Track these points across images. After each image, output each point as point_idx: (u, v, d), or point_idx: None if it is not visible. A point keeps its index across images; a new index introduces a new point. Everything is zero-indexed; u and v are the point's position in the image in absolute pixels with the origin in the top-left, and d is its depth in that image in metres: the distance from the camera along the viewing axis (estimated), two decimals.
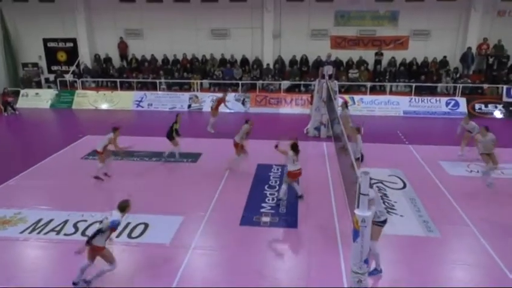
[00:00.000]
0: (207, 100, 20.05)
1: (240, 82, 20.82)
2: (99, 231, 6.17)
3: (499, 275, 6.93)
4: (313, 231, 8.30)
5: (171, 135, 12.08)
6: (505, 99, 18.74)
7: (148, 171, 11.60)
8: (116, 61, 22.85)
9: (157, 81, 21.19)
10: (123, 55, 22.83)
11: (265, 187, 10.53)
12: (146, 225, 8.46)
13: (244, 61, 21.81)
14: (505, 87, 18.84)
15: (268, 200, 9.79)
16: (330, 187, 10.45)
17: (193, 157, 12.59)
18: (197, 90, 20.92)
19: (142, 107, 20.34)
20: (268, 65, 21.44)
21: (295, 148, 9.25)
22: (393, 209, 9.32)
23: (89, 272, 6.45)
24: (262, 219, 8.85)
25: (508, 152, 12.52)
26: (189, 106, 20.11)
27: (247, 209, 9.27)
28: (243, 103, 19.84)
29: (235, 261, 7.29)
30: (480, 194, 10.12)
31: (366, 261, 6.09)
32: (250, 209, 9.29)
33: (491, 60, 20.22)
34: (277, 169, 11.60)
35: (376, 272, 6.82)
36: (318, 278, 6.79)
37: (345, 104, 15.02)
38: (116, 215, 6.33)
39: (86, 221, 8.65)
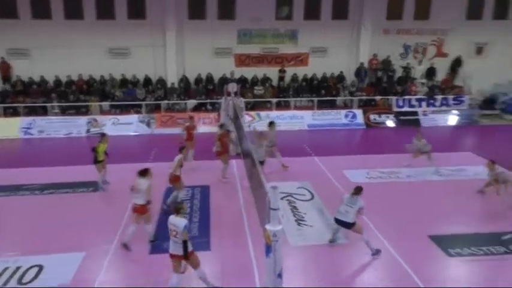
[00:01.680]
0: (107, 123, 18.86)
1: (143, 103, 20.00)
2: (186, 243, 6.33)
3: (402, 273, 7.35)
4: (226, 252, 8.07)
5: (96, 159, 11.04)
6: (395, 109, 20.55)
7: (41, 206, 10.38)
8: None
9: (49, 104, 19.42)
10: (6, 77, 20.42)
11: None
12: (40, 267, 7.52)
13: (147, 81, 21.04)
14: (394, 98, 20.69)
15: None
16: (241, 204, 10.31)
17: (94, 185, 11.58)
18: (96, 113, 19.60)
19: (31, 134, 18.37)
20: (172, 84, 20.95)
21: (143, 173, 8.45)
22: (303, 220, 9.47)
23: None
24: None
25: (400, 157, 13.59)
26: (88, 131, 18.72)
27: (157, 235, 8.68)
28: (148, 124, 19.05)
29: None
30: (380, 198, 10.73)
31: (280, 276, 6.05)
32: (160, 235, 8.71)
33: (380, 74, 22.13)
34: (187, 191, 11.19)
35: (378, 252, 7.82)
36: None
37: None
38: (178, 220, 6.44)
39: None
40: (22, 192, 11.24)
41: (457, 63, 22.29)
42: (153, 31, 20.83)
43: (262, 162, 10.43)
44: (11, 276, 7.22)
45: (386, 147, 15.74)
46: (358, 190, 8.01)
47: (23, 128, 18.44)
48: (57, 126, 18.64)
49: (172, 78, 21.15)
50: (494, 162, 10.54)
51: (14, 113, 19.33)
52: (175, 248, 6.51)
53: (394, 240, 8.39)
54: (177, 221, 6.46)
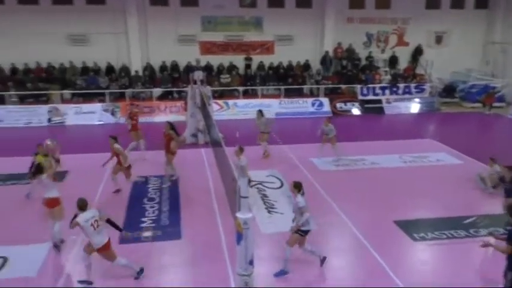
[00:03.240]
0: (69, 112, 18.23)
1: (107, 91, 19.43)
2: (110, 220, 6.72)
3: (370, 258, 7.57)
4: (197, 240, 8.07)
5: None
6: (360, 97, 20.99)
7: (3, 197, 9.96)
8: None
9: (6, 93, 18.51)
10: None
11: (145, 200, 9.93)
12: (5, 259, 7.31)
13: (110, 69, 20.41)
14: (359, 86, 21.12)
15: (149, 213, 9.23)
16: (211, 193, 10.30)
17: (58, 176, 11.18)
18: (57, 102, 18.86)
19: None
20: (136, 72, 20.45)
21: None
22: (274, 207, 9.59)
23: None
24: (143, 234, 8.33)
25: (365, 145, 13.97)
26: (49, 120, 18.03)
27: (126, 226, 8.56)
28: (112, 113, 18.56)
29: (116, 284, 6.69)
30: (346, 185, 11.03)
31: (251, 263, 6.14)
32: (130, 225, 8.63)
33: (344, 62, 22.48)
34: (156, 180, 11.04)
35: (282, 273, 6.92)
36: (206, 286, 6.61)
37: (261, 113, 13.46)
38: (91, 211, 6.54)
39: None
40: None
41: (417, 52, 22.95)
42: (114, 17, 20.16)
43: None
44: None
45: (353, 134, 16.10)
46: (298, 187, 6.97)
47: None
48: (17, 116, 17.88)
49: (136, 66, 20.63)
50: (495, 160, 10.47)
51: None
52: (103, 237, 6.52)
53: (361, 226, 8.63)
54: (90, 213, 6.46)
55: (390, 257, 7.53)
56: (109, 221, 6.73)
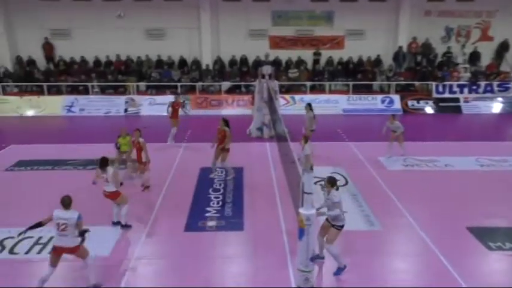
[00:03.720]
0: (144, 103, 19.29)
1: (178, 84, 20.27)
2: (84, 233, 6.12)
3: (437, 263, 7.14)
4: (259, 233, 8.14)
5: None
6: (434, 95, 19.84)
7: (83, 181, 10.80)
8: (41, 63, 21.17)
9: (89, 84, 20.02)
10: (49, 57, 21.21)
11: (210, 190, 10.22)
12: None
13: (182, 62, 21.26)
14: (434, 83, 19.96)
15: (213, 203, 9.50)
16: (274, 187, 10.34)
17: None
18: (133, 93, 20.04)
19: (73, 112, 19.07)
20: (207, 65, 21.08)
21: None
22: None
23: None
24: (207, 223, 8.56)
25: (438, 145, 13.22)
26: (126, 110, 19.20)
27: (192, 214, 8.92)
28: (183, 106, 19.28)
29: (181, 269, 6.97)
30: (416, 187, 10.51)
31: (312, 259, 6.09)
32: (195, 214, 8.95)
33: (419, 58, 21.35)
34: (221, 171, 11.32)
35: (340, 270, 6.76)
36: (265, 279, 6.64)
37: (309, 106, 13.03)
38: (70, 212, 6.11)
39: (13, 237, 7.78)
40: (66, 167, 11.76)
41: (503, 48, 21.17)
42: (188, 13, 20.93)
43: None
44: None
45: (425, 134, 15.31)
46: (332, 182, 6.62)
47: (66, 106, 19.21)
48: (98, 105, 19.30)
49: (206, 60, 21.27)
50: None
51: (58, 91, 20.09)
52: (62, 241, 6.08)
53: (431, 232, 8.14)
54: (68, 214, 6.06)
55: (462, 265, 7.04)
56: (81, 234, 6.17)
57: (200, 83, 20.51)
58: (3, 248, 7.61)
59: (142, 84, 20.66)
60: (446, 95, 19.87)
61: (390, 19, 21.26)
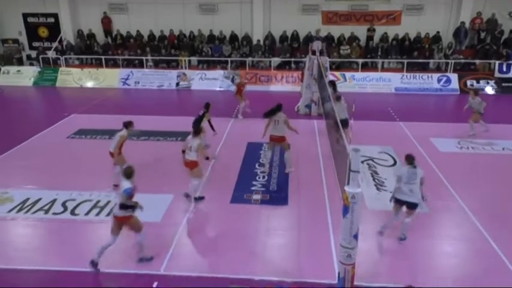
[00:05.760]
0: (195, 78, 19.70)
1: (229, 59, 20.44)
2: (122, 206, 6.09)
3: (486, 248, 6.94)
4: (303, 208, 8.26)
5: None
6: (497, 74, 18.63)
7: (135, 150, 11.37)
8: (100, 37, 22.18)
9: (144, 58, 20.69)
10: (108, 31, 22.16)
11: (256, 165, 10.41)
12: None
13: (234, 37, 21.35)
14: (497, 62, 18.70)
15: (259, 178, 9.69)
16: (320, 164, 10.36)
17: (184, 135, 12.33)
18: (185, 68, 20.50)
19: (128, 84, 19.89)
20: (258, 41, 21.02)
21: None
22: (383, 185, 9.28)
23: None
24: (253, 197, 8.77)
25: (498, 127, 12.51)
26: (177, 84, 19.73)
27: (238, 187, 9.17)
28: (233, 80, 19.50)
29: (226, 239, 7.24)
30: (469, 170, 10.11)
31: (356, 237, 6.11)
32: (241, 187, 9.19)
33: (483, 35, 20.01)
34: (264, 147, 11.46)
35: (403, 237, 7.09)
36: (308, 253, 6.78)
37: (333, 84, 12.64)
38: (125, 183, 6.20)
39: (74, 200, 8.49)
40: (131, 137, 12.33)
41: None
42: None
43: (345, 123, 10.17)
44: (114, 207, 8.08)
45: (483, 116, 14.49)
46: (412, 160, 6.85)
47: (122, 78, 20.05)
48: (151, 79, 19.96)
49: (258, 36, 21.21)
50: None
51: (114, 64, 20.99)
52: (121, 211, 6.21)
53: (482, 217, 7.86)
54: (123, 185, 6.21)
55: None
56: (123, 207, 6.18)
57: (250, 59, 20.55)
58: (66, 209, 8.23)
59: (194, 59, 21.05)
60: (511, 75, 18.58)
61: None
